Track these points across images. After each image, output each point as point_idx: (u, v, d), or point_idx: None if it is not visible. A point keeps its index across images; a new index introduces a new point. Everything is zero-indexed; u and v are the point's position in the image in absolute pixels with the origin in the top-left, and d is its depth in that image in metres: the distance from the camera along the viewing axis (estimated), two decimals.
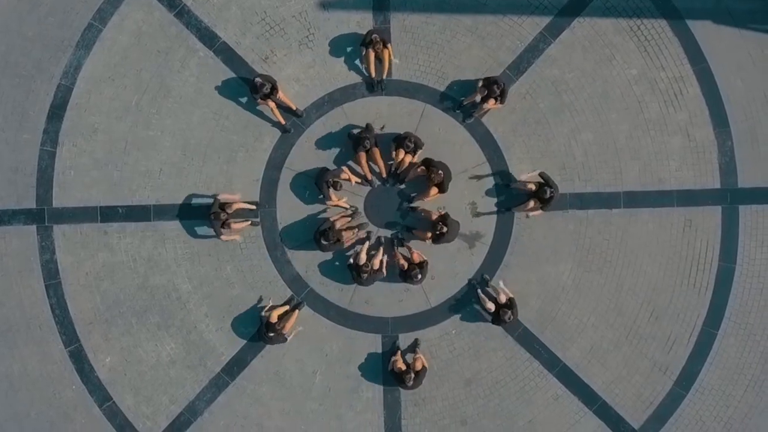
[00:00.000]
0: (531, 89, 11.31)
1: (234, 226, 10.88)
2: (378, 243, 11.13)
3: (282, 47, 11.43)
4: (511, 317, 10.28)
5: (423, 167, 10.65)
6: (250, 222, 11.12)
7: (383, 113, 11.28)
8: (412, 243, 11.01)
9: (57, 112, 11.40)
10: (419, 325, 11.20)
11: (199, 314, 11.33)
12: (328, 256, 11.20)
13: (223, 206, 10.67)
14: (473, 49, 11.32)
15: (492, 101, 10.66)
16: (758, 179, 11.22)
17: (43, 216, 11.38)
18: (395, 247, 11.02)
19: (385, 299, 11.24)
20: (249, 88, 10.77)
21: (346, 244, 10.71)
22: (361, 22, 11.37)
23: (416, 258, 10.59)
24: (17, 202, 11.38)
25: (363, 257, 10.38)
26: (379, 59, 10.92)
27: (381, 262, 10.61)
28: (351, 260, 10.54)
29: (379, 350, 11.19)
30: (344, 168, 10.77)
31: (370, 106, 11.31)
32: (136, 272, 11.36)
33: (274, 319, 10.51)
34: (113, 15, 11.48)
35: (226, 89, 11.40)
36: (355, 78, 11.37)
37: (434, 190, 10.67)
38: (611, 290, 11.21)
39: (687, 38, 11.30)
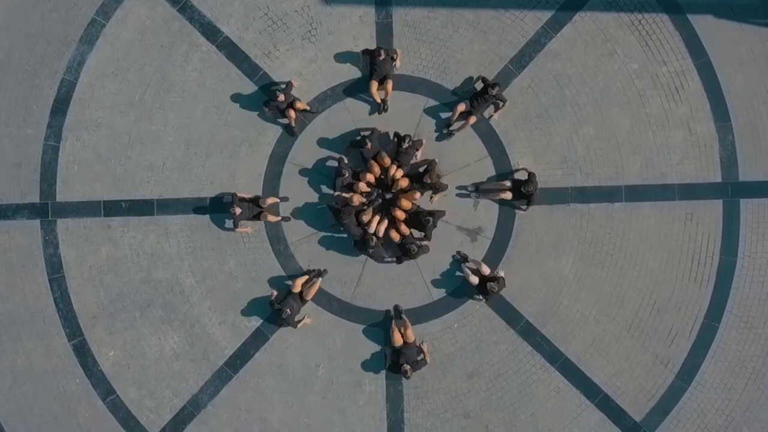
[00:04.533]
0: (533, 83, 11.35)
1: (270, 218, 11.01)
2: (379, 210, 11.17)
3: (284, 42, 11.48)
4: (495, 288, 10.44)
5: (408, 180, 10.83)
6: (281, 218, 11.23)
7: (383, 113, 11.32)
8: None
9: (60, 106, 11.45)
10: (422, 318, 11.23)
11: (202, 308, 11.37)
12: (330, 252, 11.25)
13: (257, 201, 10.85)
14: (475, 44, 11.37)
15: (473, 118, 10.90)
16: (759, 173, 11.25)
17: (46, 210, 11.42)
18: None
19: (388, 293, 11.28)
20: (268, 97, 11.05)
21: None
22: (363, 16, 11.42)
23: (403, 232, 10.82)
24: (21, 197, 11.43)
25: (374, 224, 10.63)
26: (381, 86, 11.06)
27: (383, 228, 10.80)
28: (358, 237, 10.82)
29: (382, 344, 11.22)
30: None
31: (372, 101, 11.34)
32: (139, 266, 11.40)
33: (297, 288, 10.71)
34: (116, 10, 11.54)
35: (229, 84, 11.44)
36: (357, 73, 11.41)
37: (417, 194, 10.76)
38: (613, 284, 11.25)
39: (688, 33, 11.34)
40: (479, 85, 11.03)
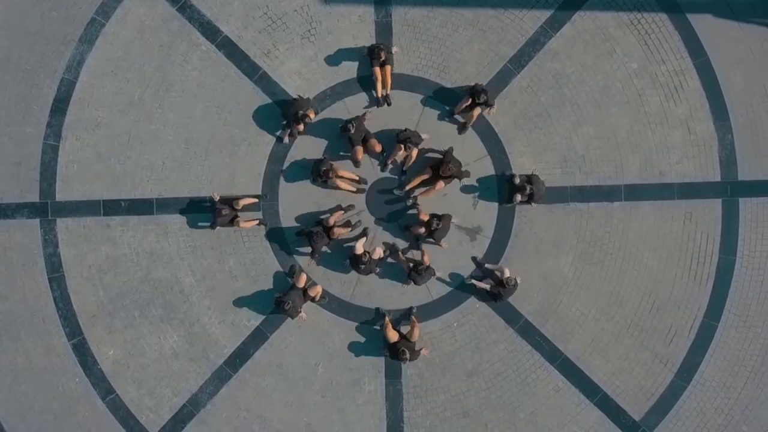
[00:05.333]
0: (532, 83, 11.36)
1: (243, 224, 11.01)
2: (374, 237, 11.24)
3: (284, 41, 11.49)
4: (512, 281, 10.59)
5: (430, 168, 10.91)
6: (258, 221, 11.19)
7: (385, 107, 11.32)
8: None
9: (60, 106, 11.46)
10: (421, 317, 11.21)
11: (201, 307, 11.38)
12: (330, 251, 11.24)
13: (229, 202, 10.86)
14: (474, 43, 11.38)
15: (478, 109, 10.93)
16: (758, 172, 11.26)
17: (46, 209, 11.43)
18: (400, 252, 11.11)
19: (387, 292, 11.29)
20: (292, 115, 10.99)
21: (337, 237, 10.86)
22: (362, 16, 11.43)
23: (426, 261, 10.83)
24: (21, 196, 11.44)
25: (360, 247, 10.64)
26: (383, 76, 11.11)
27: (380, 253, 10.83)
28: (350, 253, 10.82)
29: (381, 343, 11.22)
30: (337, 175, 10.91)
31: (372, 100, 11.35)
32: (138, 265, 11.41)
33: (301, 283, 10.88)
34: (116, 10, 11.54)
35: (229, 83, 11.45)
36: (356, 72, 11.42)
37: (440, 183, 10.81)
38: (612, 283, 11.25)
39: (687, 32, 11.35)
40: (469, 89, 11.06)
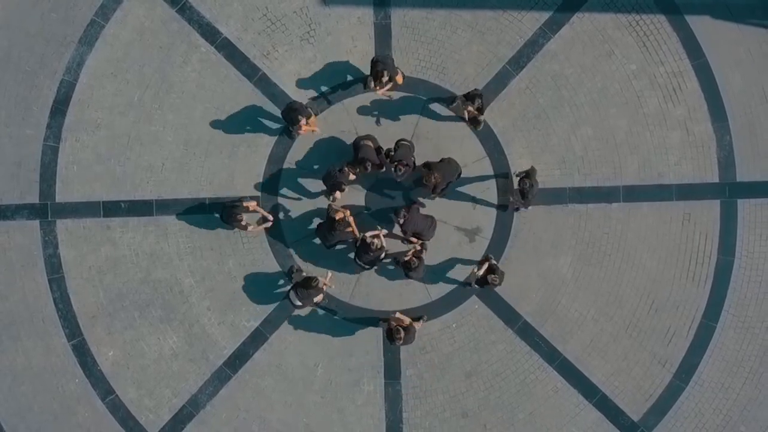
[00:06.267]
0: (531, 84, 11.38)
1: (251, 229, 10.99)
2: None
3: (283, 43, 11.51)
4: (496, 280, 10.33)
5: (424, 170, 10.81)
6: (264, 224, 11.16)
7: (383, 108, 11.35)
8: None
9: (60, 107, 11.48)
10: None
11: (201, 308, 11.40)
12: (329, 251, 11.21)
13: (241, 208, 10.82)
14: (473, 44, 11.40)
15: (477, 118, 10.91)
16: (756, 173, 11.28)
17: (46, 211, 11.46)
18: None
19: (386, 293, 11.31)
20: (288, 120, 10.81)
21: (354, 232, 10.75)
22: (362, 17, 11.45)
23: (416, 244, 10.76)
24: (20, 197, 11.46)
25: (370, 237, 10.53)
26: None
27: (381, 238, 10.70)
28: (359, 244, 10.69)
29: (381, 344, 11.25)
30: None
31: (371, 102, 11.38)
32: (138, 266, 11.43)
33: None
34: (115, 11, 11.56)
35: (228, 85, 11.48)
36: (355, 74, 11.44)
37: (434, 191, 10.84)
38: (611, 283, 11.28)
39: (686, 33, 11.37)
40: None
